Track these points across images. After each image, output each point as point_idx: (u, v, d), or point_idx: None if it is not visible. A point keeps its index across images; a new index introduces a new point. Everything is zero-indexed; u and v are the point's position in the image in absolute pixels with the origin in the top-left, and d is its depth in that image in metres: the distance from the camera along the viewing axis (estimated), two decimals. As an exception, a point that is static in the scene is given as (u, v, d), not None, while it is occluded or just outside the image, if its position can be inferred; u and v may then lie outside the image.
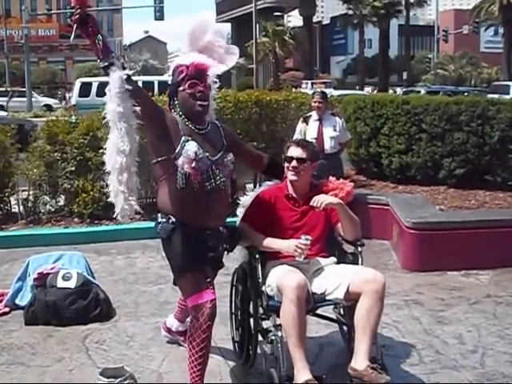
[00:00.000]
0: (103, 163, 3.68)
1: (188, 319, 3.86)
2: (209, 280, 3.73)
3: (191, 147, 3.65)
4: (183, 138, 3.68)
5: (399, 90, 35.72)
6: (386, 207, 7.62)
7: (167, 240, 3.74)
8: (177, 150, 3.66)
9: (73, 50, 65.77)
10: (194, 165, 3.61)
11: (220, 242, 3.87)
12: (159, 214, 3.80)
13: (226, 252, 3.97)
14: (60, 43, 69.87)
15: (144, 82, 22.00)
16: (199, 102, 3.77)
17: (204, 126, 3.85)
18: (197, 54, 3.89)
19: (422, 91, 28.58)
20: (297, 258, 3.90)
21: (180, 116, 3.80)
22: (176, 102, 3.84)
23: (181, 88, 3.79)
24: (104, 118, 3.60)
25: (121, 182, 3.61)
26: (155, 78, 22.03)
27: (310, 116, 8.00)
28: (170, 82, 3.91)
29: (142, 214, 8.01)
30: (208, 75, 3.83)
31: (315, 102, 7.97)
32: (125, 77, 3.49)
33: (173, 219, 3.71)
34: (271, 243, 4.02)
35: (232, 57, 4.09)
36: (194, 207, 3.66)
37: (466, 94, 25.37)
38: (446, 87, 38.47)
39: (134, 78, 3.58)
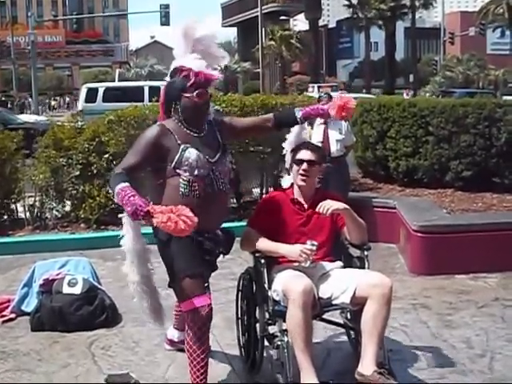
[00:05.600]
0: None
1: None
2: (206, 285, 3.71)
3: (191, 155, 3.63)
4: (182, 147, 3.65)
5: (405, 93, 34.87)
6: (393, 210, 7.58)
7: (166, 242, 3.68)
8: (176, 159, 3.63)
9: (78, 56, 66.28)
10: (196, 172, 3.59)
11: (217, 246, 3.84)
12: None
13: (221, 255, 3.95)
14: (66, 49, 70.27)
15: (133, 88, 22.10)
16: (204, 115, 3.81)
17: (201, 130, 3.81)
18: (194, 55, 3.80)
19: None
20: (302, 264, 3.88)
21: (179, 122, 3.77)
22: (178, 106, 3.78)
23: (187, 94, 3.73)
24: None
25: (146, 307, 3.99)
26: (145, 84, 22.02)
27: (316, 119, 7.97)
28: (168, 83, 3.85)
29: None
30: (211, 84, 3.84)
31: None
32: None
33: None
34: (277, 248, 4.00)
35: (223, 59, 4.06)
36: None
37: None
38: None
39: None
